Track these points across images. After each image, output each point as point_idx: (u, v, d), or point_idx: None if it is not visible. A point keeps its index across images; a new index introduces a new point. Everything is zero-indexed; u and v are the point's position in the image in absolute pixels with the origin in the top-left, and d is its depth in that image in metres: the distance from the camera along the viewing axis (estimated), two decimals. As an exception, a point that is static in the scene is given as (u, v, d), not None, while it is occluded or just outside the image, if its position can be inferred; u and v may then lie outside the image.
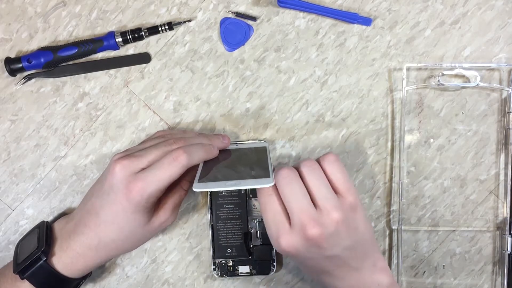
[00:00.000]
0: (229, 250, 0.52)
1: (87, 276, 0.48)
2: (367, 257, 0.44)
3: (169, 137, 0.47)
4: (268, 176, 0.42)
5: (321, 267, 0.44)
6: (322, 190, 0.42)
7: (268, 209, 0.43)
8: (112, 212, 0.43)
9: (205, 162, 0.46)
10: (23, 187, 0.53)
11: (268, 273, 0.52)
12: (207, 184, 0.42)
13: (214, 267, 0.52)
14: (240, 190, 0.52)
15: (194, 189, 0.41)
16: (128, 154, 0.44)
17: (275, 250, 0.52)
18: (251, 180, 0.42)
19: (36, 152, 0.53)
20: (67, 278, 0.45)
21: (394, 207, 0.53)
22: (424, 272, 0.53)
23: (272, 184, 0.41)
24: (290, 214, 0.42)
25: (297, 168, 0.44)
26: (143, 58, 0.52)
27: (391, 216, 0.53)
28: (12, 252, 0.52)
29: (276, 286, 0.53)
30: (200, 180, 0.43)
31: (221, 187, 0.42)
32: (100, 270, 0.53)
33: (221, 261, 0.52)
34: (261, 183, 0.41)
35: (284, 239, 0.42)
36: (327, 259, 0.43)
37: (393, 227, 0.53)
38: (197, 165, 0.45)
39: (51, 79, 0.52)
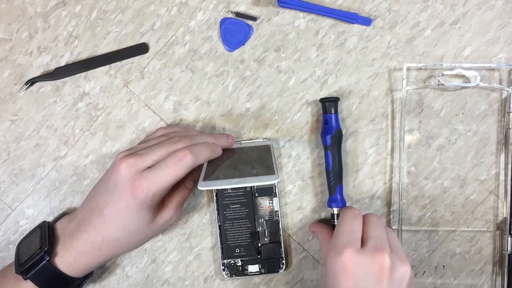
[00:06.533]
0: (237, 250, 0.51)
1: (89, 276, 0.48)
2: None
3: (173, 135, 0.47)
4: (273, 173, 0.42)
5: None
6: (400, 247, 0.45)
7: (349, 222, 0.45)
8: (117, 210, 0.43)
9: (210, 161, 0.46)
10: (23, 187, 0.53)
11: (277, 271, 0.52)
12: (212, 182, 0.42)
13: (223, 267, 0.52)
14: (246, 190, 0.51)
15: (199, 187, 0.42)
16: (133, 152, 0.44)
17: (284, 249, 0.52)
18: (256, 177, 0.42)
19: (36, 152, 0.53)
20: (70, 277, 0.45)
21: (394, 207, 0.53)
22: (424, 272, 0.53)
23: (277, 180, 0.41)
24: (367, 238, 0.43)
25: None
26: (141, 48, 0.52)
27: (391, 216, 0.53)
28: (12, 252, 0.52)
29: (276, 286, 0.53)
30: (205, 179, 0.43)
31: (226, 184, 0.42)
32: (100, 270, 0.53)
33: (229, 262, 0.52)
34: (266, 180, 0.41)
35: (350, 252, 0.41)
36: None
37: (393, 227, 0.53)
38: (202, 164, 0.45)
39: (51, 79, 0.52)
